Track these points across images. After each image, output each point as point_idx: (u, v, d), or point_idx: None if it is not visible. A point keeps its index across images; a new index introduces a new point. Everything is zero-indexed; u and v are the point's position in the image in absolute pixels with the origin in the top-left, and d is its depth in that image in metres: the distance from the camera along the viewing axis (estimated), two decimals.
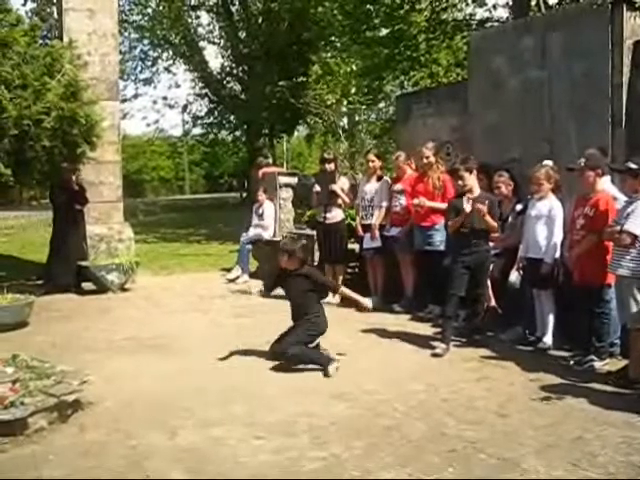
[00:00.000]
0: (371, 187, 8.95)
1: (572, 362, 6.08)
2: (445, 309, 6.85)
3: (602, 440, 4.39)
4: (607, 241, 5.75)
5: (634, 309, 5.50)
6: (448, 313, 6.75)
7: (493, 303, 7.16)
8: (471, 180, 6.85)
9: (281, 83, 22.36)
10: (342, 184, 9.26)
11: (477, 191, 6.86)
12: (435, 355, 6.49)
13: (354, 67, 17.19)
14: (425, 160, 8.24)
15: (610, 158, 6.58)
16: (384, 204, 8.74)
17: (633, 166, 5.50)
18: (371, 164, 9.02)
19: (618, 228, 5.46)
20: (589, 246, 5.95)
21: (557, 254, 6.50)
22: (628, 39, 6.98)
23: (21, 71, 8.45)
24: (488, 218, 6.62)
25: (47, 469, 4.05)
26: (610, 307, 6.05)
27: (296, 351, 6.01)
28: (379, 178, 8.97)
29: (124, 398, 5.26)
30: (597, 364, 5.95)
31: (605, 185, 6.14)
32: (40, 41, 10.06)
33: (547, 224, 6.58)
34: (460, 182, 6.90)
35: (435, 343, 6.73)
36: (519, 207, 7.21)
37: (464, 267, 6.69)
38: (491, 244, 7.01)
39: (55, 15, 15.77)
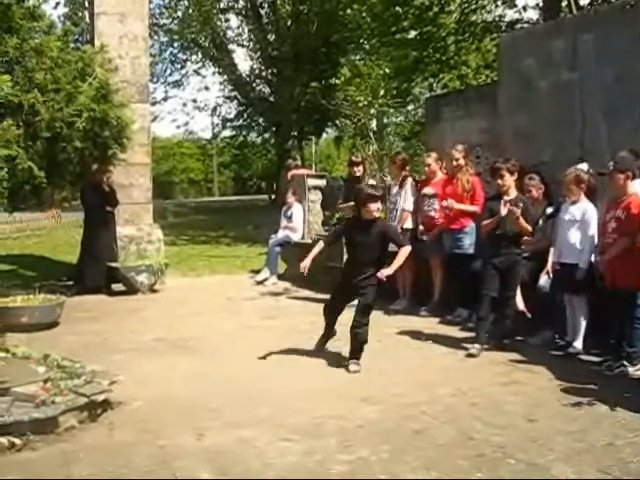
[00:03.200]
0: (395, 190, 8.94)
1: (603, 367, 6.00)
2: (478, 310, 6.81)
3: (634, 447, 4.32)
4: None
5: None
6: (481, 314, 6.71)
7: (522, 307, 7.10)
8: (510, 181, 6.80)
9: (313, 84, 22.42)
10: None
11: (514, 193, 6.79)
12: (470, 355, 6.47)
13: (387, 70, 17.16)
14: (455, 163, 8.19)
15: None
16: (407, 207, 8.70)
17: None
18: (397, 162, 9.03)
19: None
20: (621, 249, 5.87)
21: (592, 259, 6.40)
22: None
23: (54, 75, 8.57)
24: (522, 221, 6.56)
25: (77, 468, 4.09)
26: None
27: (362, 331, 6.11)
28: (403, 180, 8.90)
29: (153, 398, 5.29)
30: (629, 369, 5.86)
31: (636, 188, 6.05)
32: (72, 45, 10.19)
33: (581, 228, 6.47)
34: (500, 181, 6.83)
35: (468, 344, 6.71)
36: (549, 210, 7.15)
37: (494, 269, 6.65)
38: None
39: (87, 19, 15.95)
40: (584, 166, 6.68)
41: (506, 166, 6.85)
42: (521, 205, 6.60)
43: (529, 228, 6.65)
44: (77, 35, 16.42)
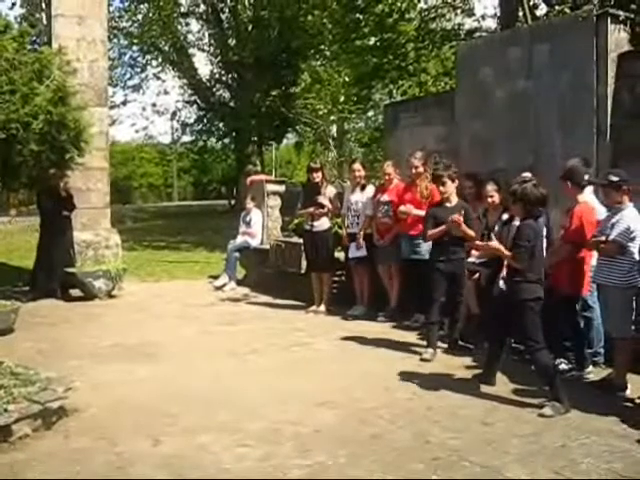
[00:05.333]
0: (357, 197, 8.97)
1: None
2: (428, 315, 6.89)
3: (585, 448, 4.42)
4: (590, 251, 5.80)
5: (619, 318, 5.54)
6: (431, 319, 6.80)
7: (478, 311, 7.19)
8: (452, 188, 6.91)
9: (273, 93, 22.42)
10: (329, 192, 9.27)
11: (455, 200, 6.92)
12: (423, 360, 6.54)
13: (346, 78, 17.27)
14: (414, 170, 8.26)
15: (595, 169, 6.63)
16: (368, 213, 8.76)
17: (614, 179, 5.54)
18: (357, 173, 9.04)
19: (603, 238, 5.50)
20: (562, 257, 5.99)
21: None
22: (612, 51, 7.08)
23: (9, 77, 8.44)
24: (465, 228, 6.66)
25: (30, 476, 4.03)
26: (593, 316, 6.09)
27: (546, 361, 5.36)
28: (363, 187, 8.97)
29: (109, 405, 5.25)
30: (580, 373, 5.98)
31: (587, 197, 6.15)
32: (29, 46, 10.04)
33: None
34: (442, 188, 6.95)
35: (422, 349, 6.77)
36: (505, 216, 7.22)
37: (442, 274, 6.74)
38: (476, 253, 7.04)
39: (44, 21, 15.75)
40: (527, 174, 6.78)
41: (447, 173, 6.94)
42: (462, 212, 6.70)
43: (472, 234, 6.74)
44: (34, 37, 16.16)
